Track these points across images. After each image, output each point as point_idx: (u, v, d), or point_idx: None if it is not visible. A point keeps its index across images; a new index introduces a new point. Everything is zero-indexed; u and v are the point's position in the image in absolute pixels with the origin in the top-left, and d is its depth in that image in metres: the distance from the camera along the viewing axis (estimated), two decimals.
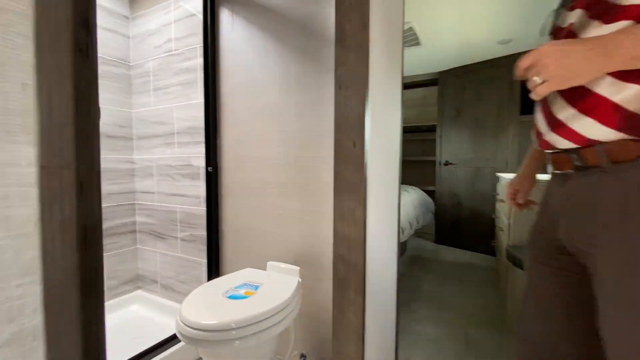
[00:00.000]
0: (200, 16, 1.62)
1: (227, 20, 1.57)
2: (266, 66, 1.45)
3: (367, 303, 0.75)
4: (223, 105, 1.61)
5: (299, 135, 1.36)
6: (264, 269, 1.49)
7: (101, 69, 1.81)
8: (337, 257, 0.76)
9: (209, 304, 1.00)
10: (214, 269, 1.62)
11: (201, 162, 1.68)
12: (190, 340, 0.88)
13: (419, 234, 3.93)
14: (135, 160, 2.00)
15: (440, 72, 3.55)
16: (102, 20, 1.81)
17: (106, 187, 1.86)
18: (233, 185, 1.59)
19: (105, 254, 1.86)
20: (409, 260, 3.05)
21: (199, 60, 1.67)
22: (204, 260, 1.69)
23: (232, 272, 1.62)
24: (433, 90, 3.80)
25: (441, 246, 3.54)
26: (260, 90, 1.47)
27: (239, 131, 1.56)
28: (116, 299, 1.91)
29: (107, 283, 1.88)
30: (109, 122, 1.86)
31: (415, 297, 2.21)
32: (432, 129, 3.79)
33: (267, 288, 1.12)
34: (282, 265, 1.31)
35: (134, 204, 2.01)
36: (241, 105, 1.54)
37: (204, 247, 1.68)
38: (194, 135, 1.73)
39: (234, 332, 0.88)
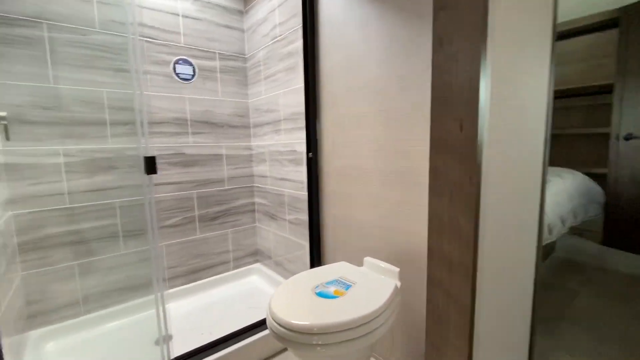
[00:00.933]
0: None
1: None
2: (367, 37, 1.27)
3: (476, 348, 0.53)
4: (322, 87, 1.53)
5: (402, 114, 1.15)
6: (361, 263, 1.38)
7: (221, 64, 2.01)
8: (432, 282, 0.57)
9: (296, 299, 0.96)
10: (315, 255, 1.62)
11: (304, 147, 1.67)
12: (274, 335, 0.87)
13: (576, 230, 3.03)
14: (252, 147, 2.18)
15: (622, 8, 2.50)
16: (220, 18, 1.98)
17: (230, 171, 2.10)
18: (332, 172, 1.52)
19: (230, 230, 2.14)
20: (557, 265, 2.38)
21: (300, 43, 1.62)
22: (307, 244, 1.71)
23: (332, 259, 1.58)
24: (608, 36, 2.74)
25: (611, 249, 2.63)
26: (359, 66, 1.31)
27: (337, 114, 1.45)
28: (240, 269, 2.19)
29: (234, 254, 2.17)
30: (230, 114, 2.07)
31: (563, 315, 1.69)
32: (605, 90, 2.77)
33: (359, 289, 1.01)
34: (381, 263, 1.16)
35: (253, 186, 2.22)
36: (339, 85, 1.42)
37: (307, 232, 1.70)
38: (297, 121, 1.72)
39: (316, 338, 0.81)
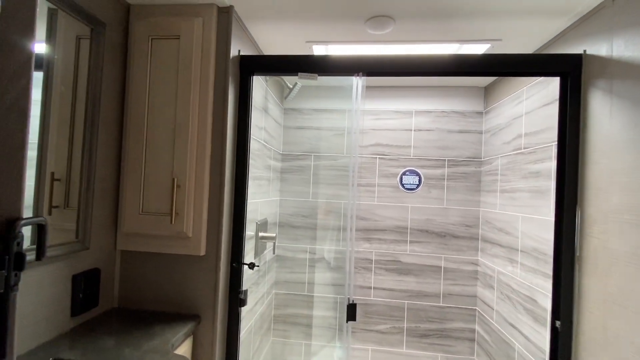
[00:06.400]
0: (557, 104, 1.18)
1: (600, 107, 1.01)
2: None
3: None
4: (586, 235, 1.04)
5: None
6: None
7: (449, 171, 1.87)
8: None
9: None
10: None
11: (548, 304, 1.19)
12: None
13: None
14: (479, 263, 1.84)
15: None
16: (454, 124, 1.87)
17: (447, 287, 1.86)
18: None
19: (440, 354, 1.85)
20: None
21: (553, 164, 1.21)
22: None
23: None
24: None
25: None
26: None
27: (613, 288, 0.92)
28: None
29: None
30: (455, 222, 1.86)
31: None
32: None
33: None
34: None
35: (474, 310, 1.84)
36: (618, 242, 0.91)
37: None
38: (540, 262, 1.27)
39: None
